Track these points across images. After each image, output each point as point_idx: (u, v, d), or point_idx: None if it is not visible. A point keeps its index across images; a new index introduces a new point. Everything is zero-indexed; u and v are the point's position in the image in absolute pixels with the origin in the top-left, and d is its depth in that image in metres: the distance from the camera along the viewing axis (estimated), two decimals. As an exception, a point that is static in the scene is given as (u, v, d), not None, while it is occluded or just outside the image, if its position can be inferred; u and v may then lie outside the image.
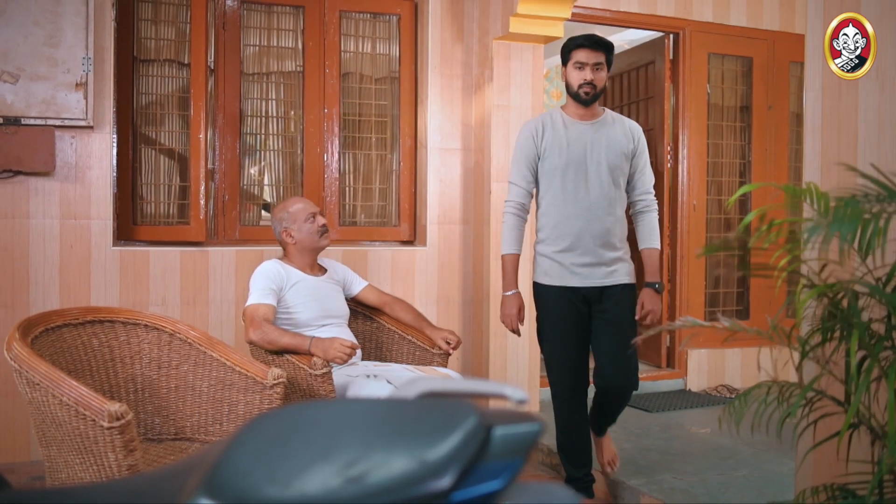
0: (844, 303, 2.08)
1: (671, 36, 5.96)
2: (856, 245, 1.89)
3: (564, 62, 3.66)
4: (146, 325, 3.32)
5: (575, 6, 4.93)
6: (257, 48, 5.08)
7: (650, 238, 3.73)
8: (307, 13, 5.08)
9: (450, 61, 5.20)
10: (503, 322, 3.73)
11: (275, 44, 5.11)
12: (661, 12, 5.75)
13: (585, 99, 3.60)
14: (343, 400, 1.09)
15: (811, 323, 2.14)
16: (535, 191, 3.74)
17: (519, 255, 3.71)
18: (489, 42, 5.01)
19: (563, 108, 3.73)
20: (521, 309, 3.70)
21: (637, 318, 3.64)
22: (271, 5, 5.05)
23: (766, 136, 6.19)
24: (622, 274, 3.66)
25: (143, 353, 3.30)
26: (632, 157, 3.67)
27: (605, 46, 3.61)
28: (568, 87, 3.65)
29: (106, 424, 2.53)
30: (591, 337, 3.70)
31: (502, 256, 3.72)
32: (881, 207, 1.92)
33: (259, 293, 3.57)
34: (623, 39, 7.22)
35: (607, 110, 3.74)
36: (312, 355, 3.34)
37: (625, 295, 3.66)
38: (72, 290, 4.37)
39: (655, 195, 3.78)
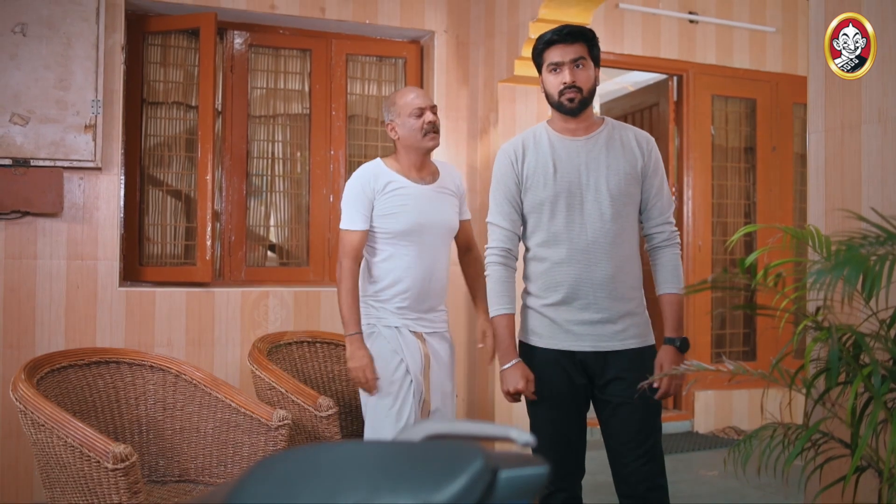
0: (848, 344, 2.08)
1: (675, 78, 6.01)
2: (859, 288, 1.90)
3: (539, 69, 2.87)
4: (151, 366, 3.32)
5: (579, 49, 4.97)
6: (264, 90, 5.13)
7: (671, 281, 2.84)
8: (314, 56, 5.13)
9: (455, 104, 5.24)
10: (507, 399, 2.86)
11: (282, 86, 5.16)
12: (665, 55, 5.80)
13: (570, 108, 2.78)
14: (349, 442, 1.09)
15: (817, 365, 2.14)
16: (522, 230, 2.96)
17: (514, 315, 2.89)
18: (494, 85, 5.05)
19: (548, 122, 2.91)
20: (529, 380, 2.80)
21: (655, 385, 2.69)
22: (279, 48, 5.11)
23: (770, 177, 6.22)
24: (633, 334, 2.80)
25: (148, 394, 3.30)
26: (643, 177, 2.83)
27: (581, 36, 2.79)
28: (548, 97, 2.85)
29: (110, 466, 2.53)
30: (599, 421, 2.88)
31: (492, 319, 2.89)
32: (885, 250, 1.93)
33: (349, 216, 3.29)
34: (627, 81, 7.28)
35: (607, 119, 2.90)
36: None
37: (638, 364, 2.77)
38: (77, 331, 4.37)
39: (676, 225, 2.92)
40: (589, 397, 2.84)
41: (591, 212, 2.76)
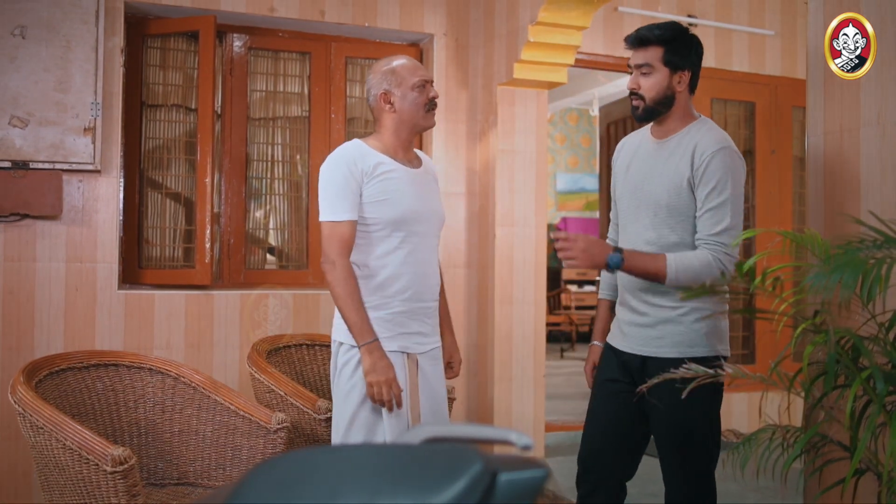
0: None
1: (674, 81, 6.02)
2: (857, 291, 1.90)
3: None
4: (150, 369, 3.32)
5: (578, 52, 4.98)
6: (264, 93, 5.13)
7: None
8: (313, 59, 5.13)
9: (454, 107, 5.24)
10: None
11: (281, 89, 5.16)
12: (664, 58, 5.80)
13: (636, 115, 2.72)
14: (348, 445, 1.09)
15: (816, 368, 2.14)
16: None
17: (611, 301, 2.96)
18: (493, 88, 5.06)
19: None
20: (594, 366, 2.93)
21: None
22: (278, 51, 5.11)
23: (769, 181, 6.22)
24: (670, 343, 2.64)
25: (146, 396, 3.30)
26: (692, 189, 2.61)
27: (650, 41, 2.64)
28: None
29: (109, 469, 2.53)
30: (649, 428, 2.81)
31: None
32: (883, 254, 1.93)
33: (335, 204, 2.77)
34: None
35: (693, 125, 2.70)
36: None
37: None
38: (76, 334, 4.37)
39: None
40: (634, 407, 2.73)
41: (643, 216, 2.70)
